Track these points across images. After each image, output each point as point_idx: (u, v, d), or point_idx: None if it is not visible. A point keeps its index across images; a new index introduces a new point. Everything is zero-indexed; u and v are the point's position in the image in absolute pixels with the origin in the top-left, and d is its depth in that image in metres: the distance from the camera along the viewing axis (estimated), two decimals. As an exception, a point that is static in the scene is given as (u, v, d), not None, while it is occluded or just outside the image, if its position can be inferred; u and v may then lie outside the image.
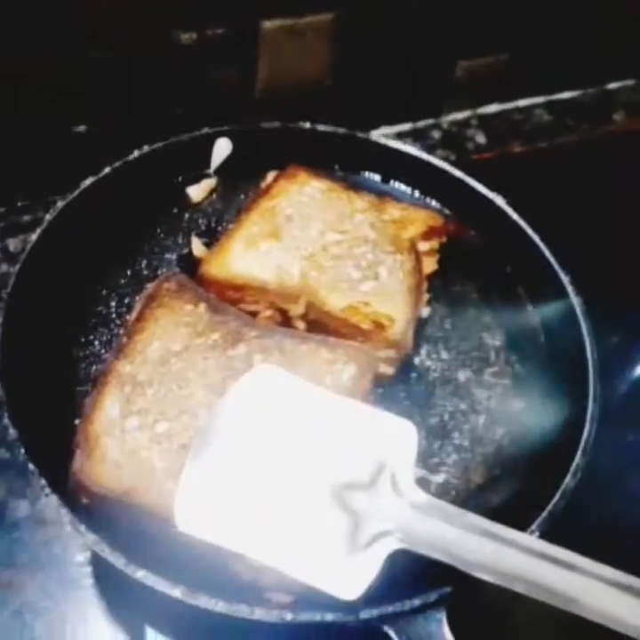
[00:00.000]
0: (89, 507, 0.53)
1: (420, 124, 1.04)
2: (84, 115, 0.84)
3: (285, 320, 0.67)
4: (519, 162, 1.02)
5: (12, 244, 0.84)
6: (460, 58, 1.01)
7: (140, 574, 0.48)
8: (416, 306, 0.67)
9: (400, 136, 0.93)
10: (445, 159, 0.81)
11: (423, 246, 0.71)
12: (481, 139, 1.04)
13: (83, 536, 0.50)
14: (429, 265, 0.71)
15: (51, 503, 0.62)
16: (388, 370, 0.65)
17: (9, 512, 0.65)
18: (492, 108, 1.08)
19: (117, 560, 0.48)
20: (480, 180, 0.76)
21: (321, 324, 0.66)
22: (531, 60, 1.05)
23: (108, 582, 0.63)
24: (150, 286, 0.63)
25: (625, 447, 0.76)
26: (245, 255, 0.67)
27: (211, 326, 0.60)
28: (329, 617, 0.47)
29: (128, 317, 0.65)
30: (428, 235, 0.71)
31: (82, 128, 0.85)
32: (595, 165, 1.01)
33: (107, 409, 0.55)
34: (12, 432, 0.53)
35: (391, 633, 0.48)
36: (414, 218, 0.72)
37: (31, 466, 0.52)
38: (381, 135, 0.85)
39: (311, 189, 0.73)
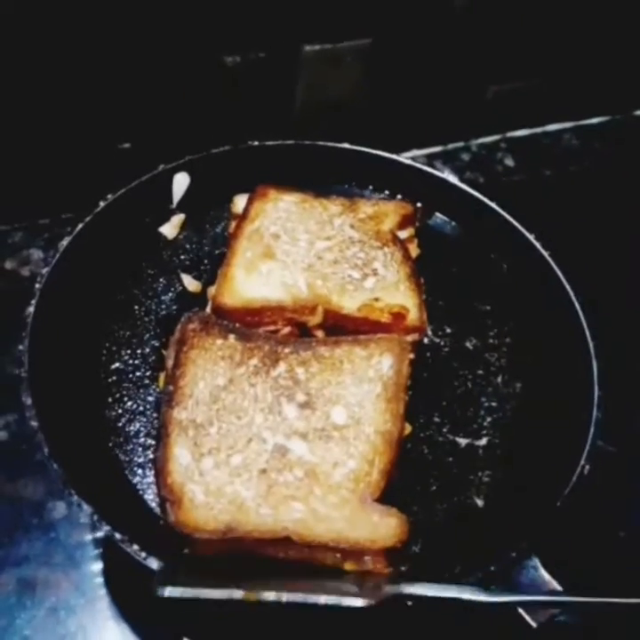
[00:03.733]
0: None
1: (450, 146, 1.05)
2: (129, 132, 0.87)
3: (304, 332, 0.69)
4: (547, 185, 1.03)
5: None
6: (491, 82, 1.02)
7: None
8: (419, 289, 0.70)
9: (430, 158, 0.95)
10: (474, 181, 0.84)
11: (402, 234, 0.74)
12: (509, 162, 1.05)
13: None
14: (412, 251, 0.75)
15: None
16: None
17: (46, 513, 0.66)
18: (521, 132, 1.09)
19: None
20: (509, 202, 0.79)
21: (339, 329, 0.68)
22: (560, 85, 1.05)
23: (141, 580, 0.63)
24: (176, 331, 0.64)
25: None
26: (250, 280, 0.69)
27: (246, 354, 0.62)
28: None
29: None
30: (402, 224, 0.75)
31: (127, 145, 0.87)
32: (622, 190, 1.02)
33: (179, 458, 0.56)
34: (86, 508, 0.53)
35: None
36: (387, 210, 0.76)
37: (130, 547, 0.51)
38: (411, 157, 0.87)
39: (285, 204, 0.76)
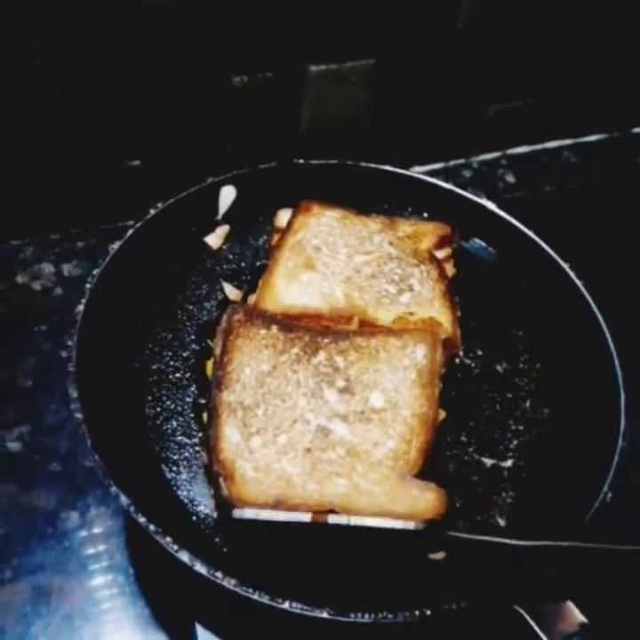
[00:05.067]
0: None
1: (452, 163, 1.07)
2: (139, 150, 0.88)
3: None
4: (547, 201, 1.04)
5: (67, 268, 0.87)
6: (491, 101, 1.04)
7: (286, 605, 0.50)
8: (454, 307, 0.72)
9: (432, 174, 0.97)
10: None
11: (439, 255, 0.77)
12: (510, 178, 1.07)
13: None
14: (448, 271, 0.77)
15: (99, 515, 0.67)
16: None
17: (60, 522, 0.67)
18: (522, 150, 1.11)
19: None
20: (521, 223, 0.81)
21: None
22: (559, 103, 1.08)
23: (154, 588, 0.64)
24: (223, 321, 0.68)
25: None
26: (290, 288, 0.71)
27: (288, 343, 0.66)
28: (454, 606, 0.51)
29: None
30: (439, 244, 0.77)
31: (136, 162, 0.88)
32: (619, 205, 1.04)
33: (229, 437, 0.60)
34: (124, 499, 0.54)
35: (521, 611, 0.51)
36: (425, 231, 0.78)
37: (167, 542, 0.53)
38: (415, 173, 0.89)
39: (327, 219, 0.78)
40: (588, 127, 1.15)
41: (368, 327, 0.70)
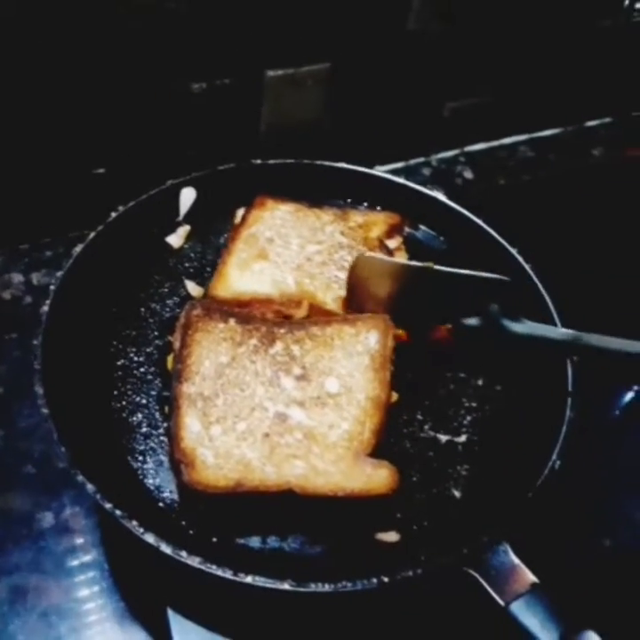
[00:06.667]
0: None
1: (412, 162, 1.09)
2: (103, 157, 0.90)
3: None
4: (503, 194, 1.07)
5: (36, 277, 0.88)
6: (447, 100, 1.06)
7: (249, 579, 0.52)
8: None
9: (393, 173, 0.99)
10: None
11: (392, 244, 0.80)
12: (468, 174, 1.09)
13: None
14: (401, 258, 0.80)
15: (74, 515, 0.68)
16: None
17: (35, 523, 0.68)
18: (479, 146, 1.14)
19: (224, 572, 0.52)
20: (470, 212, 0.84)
21: None
22: (514, 100, 1.10)
23: (128, 582, 0.66)
24: (181, 317, 0.70)
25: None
26: (242, 276, 0.74)
27: (245, 335, 0.68)
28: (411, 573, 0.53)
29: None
30: (390, 233, 0.81)
31: (101, 170, 0.90)
32: (575, 197, 1.06)
33: (190, 426, 0.62)
34: (90, 487, 0.56)
35: (470, 571, 0.54)
36: (375, 220, 0.82)
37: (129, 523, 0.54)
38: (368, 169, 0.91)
39: (281, 213, 0.81)
40: (543, 122, 1.18)
41: (317, 311, 0.72)
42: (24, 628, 0.62)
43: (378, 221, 0.82)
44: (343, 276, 0.75)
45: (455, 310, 0.69)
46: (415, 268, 0.70)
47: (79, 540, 0.67)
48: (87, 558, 0.66)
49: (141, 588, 0.64)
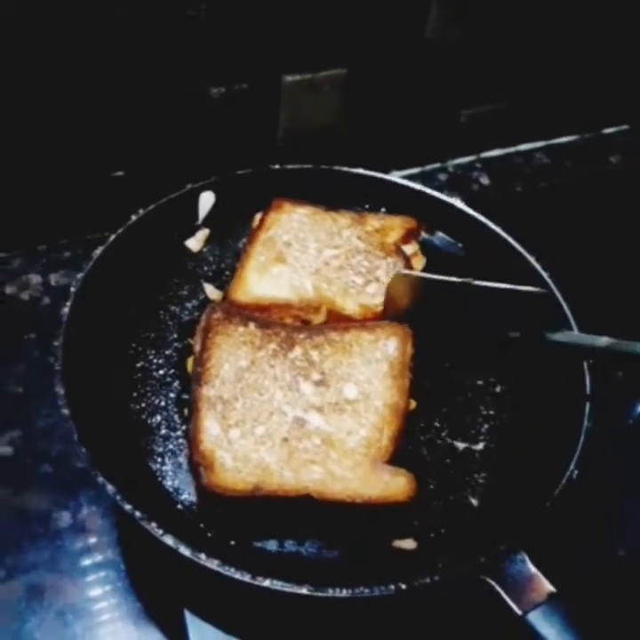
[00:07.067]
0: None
1: (428, 167, 1.09)
2: (122, 160, 0.90)
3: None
4: (520, 201, 1.07)
5: (54, 278, 0.89)
6: (464, 106, 1.06)
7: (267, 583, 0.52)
8: None
9: (409, 179, 0.99)
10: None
11: (408, 249, 0.80)
12: (485, 180, 1.09)
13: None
14: (418, 263, 0.80)
15: (91, 515, 0.68)
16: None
17: (52, 522, 0.68)
18: (495, 153, 1.14)
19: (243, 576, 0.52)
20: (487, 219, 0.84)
21: None
22: (531, 106, 1.10)
23: (145, 582, 0.66)
24: (202, 320, 0.70)
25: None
26: (261, 281, 0.75)
27: (265, 339, 0.69)
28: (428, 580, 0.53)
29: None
30: (406, 237, 0.81)
31: (120, 173, 0.91)
32: (590, 202, 1.06)
33: (209, 429, 0.62)
34: (110, 488, 0.56)
35: (488, 579, 0.54)
36: (392, 224, 0.82)
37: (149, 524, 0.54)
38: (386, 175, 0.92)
39: (298, 216, 0.82)
40: (559, 129, 1.18)
41: (336, 316, 0.73)
42: (40, 627, 0.62)
43: (395, 226, 0.82)
44: (360, 281, 0.75)
45: (495, 323, 0.69)
46: (455, 283, 0.70)
47: (95, 540, 0.68)
48: (103, 558, 0.67)
49: (157, 589, 0.65)
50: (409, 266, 0.78)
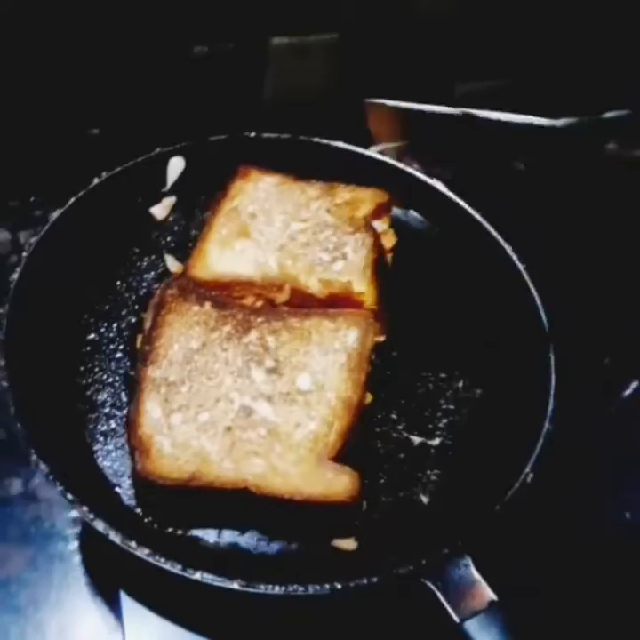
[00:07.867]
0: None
1: (414, 140, 1.08)
2: (98, 118, 0.88)
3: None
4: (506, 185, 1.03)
5: (23, 236, 0.86)
6: (458, 80, 1.03)
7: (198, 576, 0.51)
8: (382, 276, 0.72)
9: (399, 152, 0.96)
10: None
11: (379, 226, 0.77)
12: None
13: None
14: (389, 240, 0.77)
15: (42, 484, 0.67)
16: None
17: (2, 490, 0.67)
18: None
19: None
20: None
21: (305, 308, 0.70)
22: (527, 86, 1.07)
23: (92, 557, 0.65)
24: (156, 296, 0.68)
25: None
26: (223, 256, 0.72)
27: (220, 320, 0.66)
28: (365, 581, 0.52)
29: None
30: (377, 212, 0.77)
31: (96, 131, 0.89)
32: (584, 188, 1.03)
33: (150, 412, 0.60)
34: (43, 467, 0.55)
35: (428, 583, 0.53)
36: (363, 197, 0.78)
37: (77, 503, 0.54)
38: (376, 151, 0.88)
39: (265, 185, 0.78)
40: (557, 112, 1.14)
41: (299, 295, 0.70)
42: (-18, 595, 0.62)
43: (365, 199, 0.78)
44: (327, 257, 0.72)
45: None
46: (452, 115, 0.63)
47: (47, 510, 0.67)
48: (53, 529, 0.66)
49: (100, 565, 0.64)
50: (378, 243, 0.75)
